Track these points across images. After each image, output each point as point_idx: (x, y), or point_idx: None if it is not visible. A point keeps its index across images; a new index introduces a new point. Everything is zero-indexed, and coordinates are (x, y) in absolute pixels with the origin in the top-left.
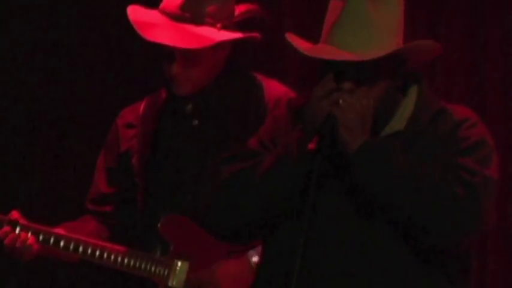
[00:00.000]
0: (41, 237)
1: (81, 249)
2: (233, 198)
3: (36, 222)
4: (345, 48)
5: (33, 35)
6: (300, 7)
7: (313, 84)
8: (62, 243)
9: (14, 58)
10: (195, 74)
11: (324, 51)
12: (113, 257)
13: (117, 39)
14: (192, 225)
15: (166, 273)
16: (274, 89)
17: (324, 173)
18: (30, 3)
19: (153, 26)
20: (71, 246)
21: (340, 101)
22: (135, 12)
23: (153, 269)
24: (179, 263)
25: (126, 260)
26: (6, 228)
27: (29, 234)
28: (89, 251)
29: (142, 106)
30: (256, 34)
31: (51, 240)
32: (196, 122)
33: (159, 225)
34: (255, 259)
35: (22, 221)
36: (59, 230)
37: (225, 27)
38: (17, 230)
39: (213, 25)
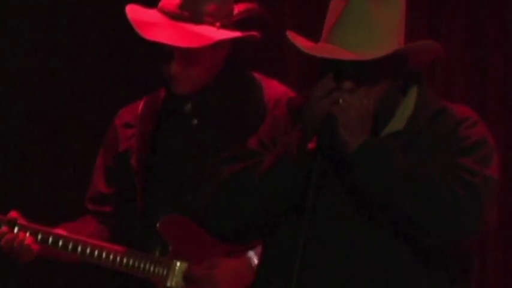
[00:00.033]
0: (39, 237)
1: (79, 249)
2: (233, 198)
3: (36, 223)
4: (346, 48)
5: (33, 35)
6: (300, 7)
7: (313, 84)
8: (60, 243)
9: (14, 58)
10: (194, 73)
11: (325, 49)
12: (111, 257)
13: (117, 39)
14: (191, 226)
15: (165, 273)
16: (274, 88)
17: (324, 173)
18: (30, 3)
19: (152, 25)
20: (70, 246)
21: (340, 101)
22: (133, 12)
23: (152, 269)
24: (178, 263)
25: (124, 260)
26: (4, 228)
27: (27, 234)
28: (88, 251)
29: (140, 106)
30: (255, 33)
31: (50, 240)
32: (195, 121)
33: (158, 225)
34: (255, 259)
35: (21, 221)
36: (59, 231)
37: (224, 26)
38: (15, 230)
39: (212, 24)
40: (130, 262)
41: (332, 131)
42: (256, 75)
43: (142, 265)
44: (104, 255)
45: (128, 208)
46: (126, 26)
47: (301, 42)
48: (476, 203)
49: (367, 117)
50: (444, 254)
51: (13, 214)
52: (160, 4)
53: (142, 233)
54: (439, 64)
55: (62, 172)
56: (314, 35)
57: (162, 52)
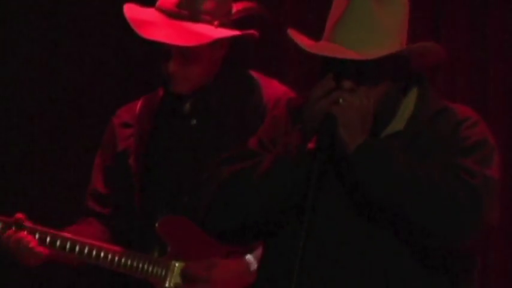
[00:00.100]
0: (37, 236)
1: (77, 249)
2: (232, 199)
3: (36, 223)
4: (348, 47)
5: (33, 35)
6: (300, 6)
7: (313, 84)
8: (58, 243)
9: (14, 58)
10: (192, 71)
11: (326, 48)
12: (109, 258)
13: (117, 39)
14: (190, 226)
15: (163, 274)
16: (273, 88)
17: (324, 173)
18: (30, 3)
19: (149, 24)
20: (67, 246)
21: (340, 100)
22: (131, 11)
23: (150, 269)
24: (177, 264)
25: (123, 261)
26: (12, 230)
27: (36, 236)
28: (86, 251)
29: (139, 105)
30: (254, 32)
31: (48, 240)
32: (194, 121)
33: (156, 225)
34: (254, 264)
35: (27, 223)
36: (64, 234)
37: (223, 25)
38: (21, 232)
39: (210, 22)
40: (129, 262)
41: (332, 130)
42: (256, 74)
43: (140, 265)
44: (101, 255)
45: (127, 208)
46: (126, 26)
47: (302, 41)
48: (476, 203)
49: (367, 117)
50: (444, 254)
51: (19, 216)
52: (158, 3)
53: (141, 234)
54: (440, 64)
55: (62, 172)
56: (314, 34)
57: (161, 51)
